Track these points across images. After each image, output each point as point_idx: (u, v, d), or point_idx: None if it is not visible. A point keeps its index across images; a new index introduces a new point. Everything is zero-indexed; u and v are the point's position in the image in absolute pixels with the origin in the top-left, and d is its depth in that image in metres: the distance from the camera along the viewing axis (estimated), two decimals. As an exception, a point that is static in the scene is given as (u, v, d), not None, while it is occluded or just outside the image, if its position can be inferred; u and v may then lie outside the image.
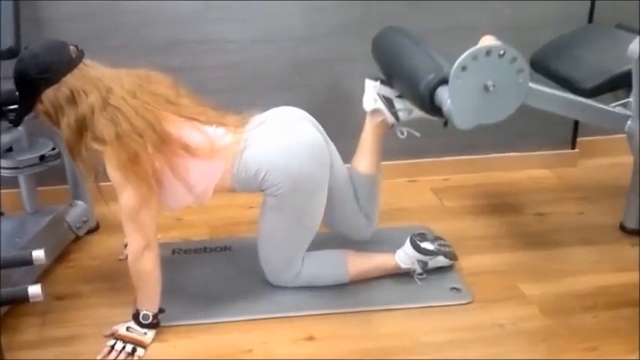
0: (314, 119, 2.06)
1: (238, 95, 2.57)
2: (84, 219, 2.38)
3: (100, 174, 1.79)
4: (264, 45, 2.58)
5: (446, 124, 1.89)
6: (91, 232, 2.43)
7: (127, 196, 1.77)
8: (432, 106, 1.81)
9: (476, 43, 1.80)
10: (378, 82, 2.11)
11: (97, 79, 1.75)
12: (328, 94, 2.65)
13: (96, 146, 1.73)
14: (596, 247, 2.28)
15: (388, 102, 2.11)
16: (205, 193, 1.90)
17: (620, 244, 2.30)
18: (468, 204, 2.64)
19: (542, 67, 2.25)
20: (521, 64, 1.70)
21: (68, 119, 1.73)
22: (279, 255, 2.02)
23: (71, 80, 1.73)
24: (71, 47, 1.77)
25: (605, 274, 2.11)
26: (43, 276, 2.10)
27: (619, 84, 2.00)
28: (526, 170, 2.89)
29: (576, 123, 2.91)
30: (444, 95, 1.74)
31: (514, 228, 2.44)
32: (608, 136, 2.93)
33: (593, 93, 2.02)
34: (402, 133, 2.15)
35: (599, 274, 2.12)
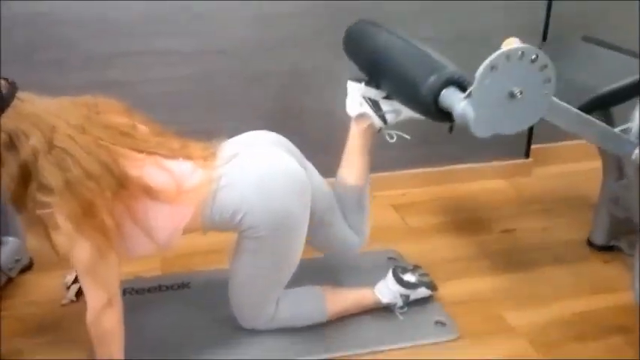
0: (289, 143, 1.86)
1: (189, 111, 2.39)
2: (16, 258, 2.09)
3: (51, 226, 1.52)
4: (215, 57, 2.36)
5: (451, 129, 1.69)
6: (24, 270, 2.15)
7: (82, 250, 1.51)
8: (437, 111, 1.59)
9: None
10: (362, 84, 1.90)
11: (36, 117, 1.47)
12: (284, 107, 2.47)
13: (43, 198, 1.46)
14: (568, 265, 2.23)
15: (374, 104, 1.90)
16: (171, 239, 1.65)
17: (591, 261, 2.25)
18: (431, 221, 2.54)
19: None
20: (549, 74, 1.51)
21: (9, 169, 1.44)
22: (255, 299, 1.82)
23: (5, 122, 1.44)
24: (1, 81, 1.47)
25: (585, 298, 2.06)
26: (-27, 330, 1.82)
27: (605, 103, 1.92)
28: (482, 181, 2.82)
29: (530, 131, 2.86)
30: (452, 98, 1.54)
31: (483, 248, 2.35)
32: (561, 143, 2.91)
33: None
34: (392, 137, 1.96)
35: (580, 297, 2.06)
